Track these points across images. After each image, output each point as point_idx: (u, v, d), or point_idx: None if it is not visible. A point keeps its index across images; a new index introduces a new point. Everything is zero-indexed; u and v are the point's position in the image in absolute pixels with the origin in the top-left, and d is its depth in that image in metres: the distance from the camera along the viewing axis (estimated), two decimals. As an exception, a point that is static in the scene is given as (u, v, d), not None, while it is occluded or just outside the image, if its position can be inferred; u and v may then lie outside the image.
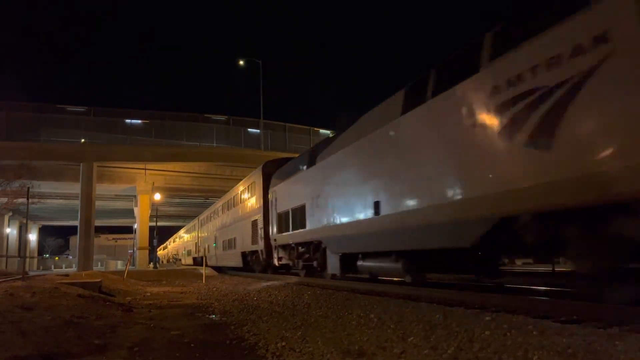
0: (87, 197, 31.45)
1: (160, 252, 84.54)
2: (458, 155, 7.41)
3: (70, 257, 66.94)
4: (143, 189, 36.59)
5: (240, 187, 24.23)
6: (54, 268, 54.85)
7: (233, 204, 25.98)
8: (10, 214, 42.33)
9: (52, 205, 42.06)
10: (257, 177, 20.57)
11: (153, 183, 36.18)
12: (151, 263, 37.92)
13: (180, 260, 57.99)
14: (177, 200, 44.16)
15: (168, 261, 72.58)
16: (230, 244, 26.38)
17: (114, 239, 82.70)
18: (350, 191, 11.26)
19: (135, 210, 39.62)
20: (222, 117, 37.35)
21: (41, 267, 56.38)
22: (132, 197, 39.95)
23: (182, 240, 55.31)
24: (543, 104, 5.73)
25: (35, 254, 62.27)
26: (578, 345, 4.01)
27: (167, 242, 77.00)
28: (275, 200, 17.34)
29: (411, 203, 8.69)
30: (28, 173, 25.86)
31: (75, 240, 41.82)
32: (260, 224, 19.21)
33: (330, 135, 17.96)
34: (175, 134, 35.08)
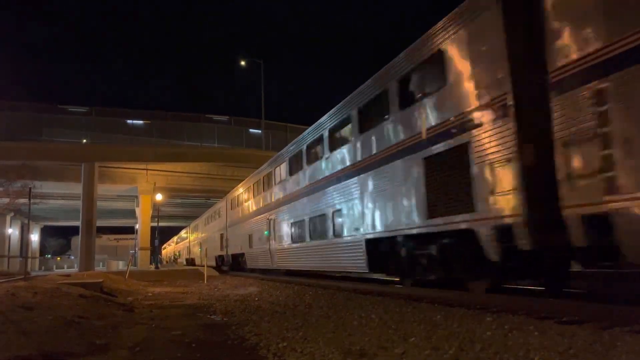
0: (89, 198, 31.46)
1: (165, 250, 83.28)
2: None
3: (72, 258, 66.93)
4: (144, 189, 36.57)
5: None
6: (56, 268, 54.82)
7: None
8: (12, 214, 42.33)
9: (53, 206, 42.07)
10: None
11: (154, 183, 36.17)
12: (152, 263, 37.91)
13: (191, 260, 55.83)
14: (179, 200, 44.11)
15: (168, 261, 72.03)
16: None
17: (115, 239, 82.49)
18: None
19: (137, 210, 39.60)
20: (224, 118, 37.40)
21: (43, 268, 56.40)
22: (134, 198, 39.92)
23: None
24: None
25: (37, 255, 62.24)
26: (579, 345, 4.01)
27: (176, 239, 71.61)
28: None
29: None
30: (30, 173, 25.85)
31: (76, 241, 41.78)
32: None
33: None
34: (176, 134, 35.10)
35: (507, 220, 6.51)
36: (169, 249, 75.82)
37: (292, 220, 15.73)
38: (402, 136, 9.24)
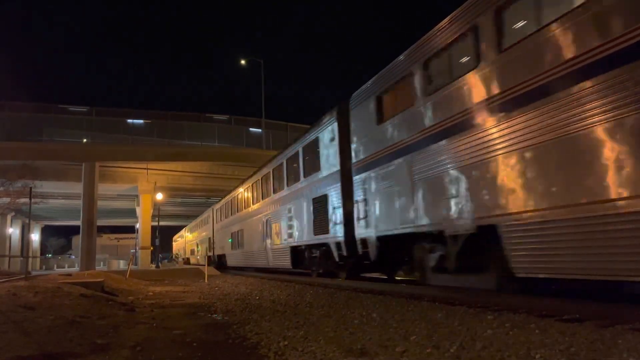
0: (90, 197, 31.50)
1: (178, 243, 68.66)
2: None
3: (73, 257, 66.97)
4: (145, 189, 36.60)
5: None
6: (57, 268, 54.82)
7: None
8: (13, 214, 42.42)
9: (54, 205, 42.14)
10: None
11: (155, 183, 36.21)
12: (153, 263, 37.93)
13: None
14: (179, 199, 44.17)
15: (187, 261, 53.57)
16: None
17: (116, 238, 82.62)
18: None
19: (138, 210, 39.65)
20: (224, 117, 37.42)
21: (44, 267, 56.43)
22: (134, 197, 39.98)
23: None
24: None
25: (38, 254, 62.33)
26: (581, 343, 4.01)
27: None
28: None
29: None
30: (30, 173, 25.89)
31: (77, 240, 41.87)
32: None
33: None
34: (177, 134, 35.13)
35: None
36: (187, 239, 53.63)
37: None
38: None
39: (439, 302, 7.28)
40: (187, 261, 50.47)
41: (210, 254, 32.64)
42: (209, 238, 33.44)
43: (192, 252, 47.57)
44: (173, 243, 78.63)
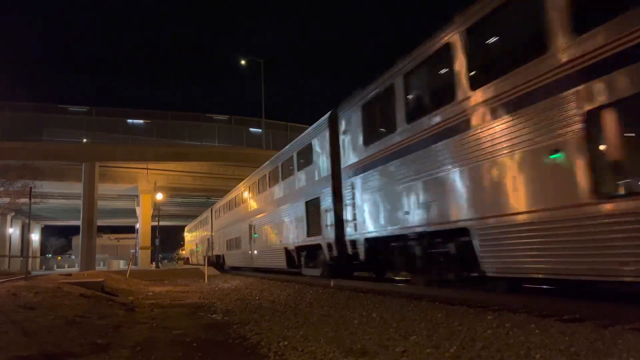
0: (90, 197, 31.49)
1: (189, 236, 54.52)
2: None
3: (73, 257, 66.89)
4: (145, 189, 36.59)
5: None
6: (57, 268, 54.68)
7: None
8: (13, 214, 42.38)
9: (54, 205, 42.10)
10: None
11: (155, 183, 36.18)
12: (153, 262, 37.92)
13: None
14: (179, 199, 44.13)
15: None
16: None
17: (116, 238, 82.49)
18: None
19: (138, 209, 39.64)
20: (224, 117, 37.40)
21: (44, 267, 56.33)
22: (134, 197, 39.96)
23: None
24: None
25: (38, 254, 62.27)
26: (581, 343, 4.00)
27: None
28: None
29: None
30: (30, 173, 25.88)
31: (77, 240, 41.87)
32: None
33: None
34: (177, 134, 35.10)
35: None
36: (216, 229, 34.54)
37: None
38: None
39: (439, 302, 7.27)
40: (214, 261, 32.11)
41: (296, 241, 15.18)
42: (297, 213, 15.13)
43: (229, 245, 28.57)
44: (185, 235, 60.57)
